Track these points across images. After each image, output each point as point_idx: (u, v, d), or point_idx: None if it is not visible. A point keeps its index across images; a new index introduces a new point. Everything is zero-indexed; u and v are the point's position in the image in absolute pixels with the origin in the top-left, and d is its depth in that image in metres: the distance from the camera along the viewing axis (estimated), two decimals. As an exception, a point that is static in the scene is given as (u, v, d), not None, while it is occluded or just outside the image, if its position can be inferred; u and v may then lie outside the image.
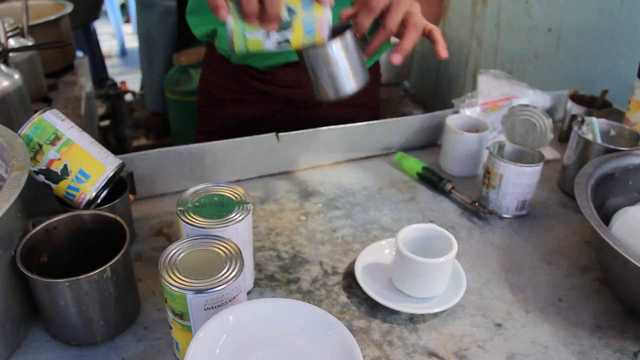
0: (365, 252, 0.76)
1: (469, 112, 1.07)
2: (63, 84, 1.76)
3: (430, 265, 0.66)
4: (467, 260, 0.78)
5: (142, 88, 3.28)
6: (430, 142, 1.12)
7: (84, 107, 1.62)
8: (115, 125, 2.37)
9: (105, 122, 2.26)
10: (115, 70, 4.43)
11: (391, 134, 1.06)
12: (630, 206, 0.76)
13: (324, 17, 0.69)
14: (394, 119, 1.06)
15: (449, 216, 0.89)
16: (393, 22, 0.74)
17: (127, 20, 5.57)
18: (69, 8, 1.82)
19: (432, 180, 0.95)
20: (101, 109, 2.28)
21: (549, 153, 1.10)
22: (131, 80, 3.91)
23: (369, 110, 1.19)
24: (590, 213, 0.69)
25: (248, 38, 0.68)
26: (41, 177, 0.72)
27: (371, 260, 0.75)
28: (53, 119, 0.73)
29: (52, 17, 1.73)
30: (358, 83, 0.73)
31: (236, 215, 0.64)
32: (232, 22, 0.67)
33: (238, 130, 1.14)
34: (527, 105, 0.90)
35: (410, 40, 0.75)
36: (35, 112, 0.73)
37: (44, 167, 0.72)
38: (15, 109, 1.16)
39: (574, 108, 1.13)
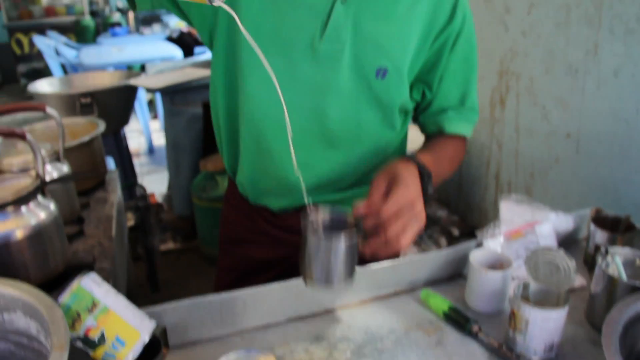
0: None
1: (493, 244, 1.09)
2: (94, 202, 1.82)
3: None
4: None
5: (169, 189, 3.38)
6: (456, 272, 1.13)
7: (115, 227, 1.67)
8: (144, 235, 2.43)
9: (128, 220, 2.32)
10: (143, 169, 4.57)
11: (417, 270, 1.08)
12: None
13: None
14: (419, 256, 1.08)
15: (478, 362, 0.89)
16: (393, 232, 0.81)
17: (155, 117, 5.77)
18: (102, 127, 1.89)
19: (459, 321, 0.96)
20: (130, 221, 2.36)
21: (576, 280, 1.10)
22: (159, 180, 4.04)
23: None
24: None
25: None
26: (79, 344, 0.75)
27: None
28: (91, 286, 0.77)
29: (86, 139, 1.80)
30: (347, 281, 0.79)
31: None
32: None
33: (255, 270, 1.18)
34: (550, 248, 0.92)
35: (383, 252, 0.84)
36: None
37: (82, 335, 0.75)
38: (51, 239, 1.20)
39: (597, 233, 1.14)
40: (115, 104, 2.91)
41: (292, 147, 0.81)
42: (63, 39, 6.49)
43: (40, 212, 1.16)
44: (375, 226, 0.83)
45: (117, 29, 6.55)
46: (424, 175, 0.92)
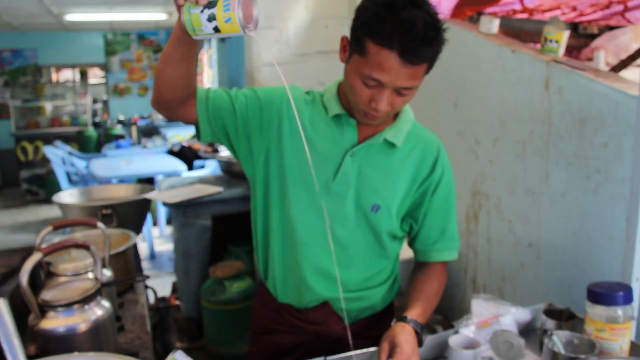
0: None
1: (466, 331, 1.42)
2: (127, 302, 2.11)
3: None
4: None
5: (173, 292, 3.64)
6: (438, 354, 1.45)
7: (149, 324, 1.96)
8: (163, 334, 2.70)
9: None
10: (145, 273, 4.83)
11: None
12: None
13: None
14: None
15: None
16: None
17: (155, 224, 6.09)
18: (134, 238, 2.22)
19: (442, 389, 1.27)
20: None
21: (526, 354, 1.42)
22: (162, 284, 4.29)
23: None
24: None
25: (191, 12, 1.04)
26: None
27: None
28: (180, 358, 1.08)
29: (122, 249, 2.13)
30: None
31: None
32: (184, 7, 1.05)
33: (281, 353, 1.50)
34: (505, 331, 1.25)
35: None
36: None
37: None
38: (107, 332, 1.50)
39: (547, 321, 1.47)
40: (132, 215, 3.24)
41: (333, 250, 1.21)
42: (68, 148, 6.94)
43: (98, 309, 1.47)
44: None
45: (121, 141, 7.02)
46: (418, 332, 1.31)
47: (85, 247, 1.58)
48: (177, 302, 3.16)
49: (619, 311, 1.32)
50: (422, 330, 1.34)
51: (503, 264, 2.36)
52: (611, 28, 3.81)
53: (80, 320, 1.41)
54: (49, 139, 7.86)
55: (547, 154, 2.02)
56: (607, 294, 1.32)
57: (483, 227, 2.48)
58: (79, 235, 2.31)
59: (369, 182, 1.37)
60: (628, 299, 1.32)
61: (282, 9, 2.99)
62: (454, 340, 1.34)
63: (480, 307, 1.51)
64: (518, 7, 3.05)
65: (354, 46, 1.25)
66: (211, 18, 1.04)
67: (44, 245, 1.51)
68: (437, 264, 1.48)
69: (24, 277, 1.28)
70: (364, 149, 1.37)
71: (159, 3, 6.77)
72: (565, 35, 2.06)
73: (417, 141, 1.41)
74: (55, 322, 1.36)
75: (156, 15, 7.66)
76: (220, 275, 3.07)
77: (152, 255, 5.30)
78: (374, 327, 1.53)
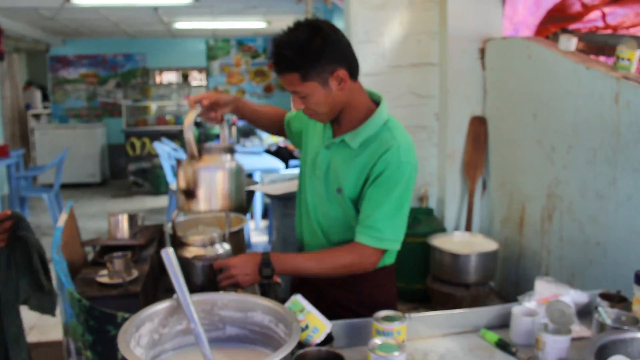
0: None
1: (528, 304, 1.70)
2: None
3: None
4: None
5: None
6: (504, 323, 1.74)
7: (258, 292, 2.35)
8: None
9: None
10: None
11: (479, 317, 1.70)
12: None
13: None
14: (481, 308, 1.71)
15: (515, 366, 1.49)
16: (223, 276, 1.66)
17: (251, 217, 6.55)
18: (246, 221, 2.63)
19: (504, 346, 1.57)
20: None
21: (585, 332, 1.68)
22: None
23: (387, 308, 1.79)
24: None
25: None
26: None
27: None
28: (300, 299, 1.44)
29: (236, 229, 2.53)
30: None
31: None
32: None
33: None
34: (558, 301, 1.53)
35: (224, 283, 1.67)
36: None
37: (293, 327, 1.41)
38: None
39: (601, 302, 1.73)
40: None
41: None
42: (172, 145, 7.59)
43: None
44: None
45: (222, 140, 7.54)
46: (262, 261, 1.64)
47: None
48: (279, 280, 3.56)
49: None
50: (267, 263, 1.65)
51: (573, 261, 2.59)
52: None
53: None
54: (154, 136, 8.59)
55: (615, 161, 2.26)
56: (652, 278, 1.57)
57: (556, 227, 2.71)
58: (209, 215, 2.72)
59: (335, 170, 1.74)
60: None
61: (379, 24, 3.33)
62: (517, 309, 1.63)
63: (543, 287, 1.78)
64: (600, 24, 3.24)
65: None
66: None
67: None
68: (355, 243, 1.69)
69: (188, 130, 1.67)
70: (333, 144, 1.74)
71: (258, 13, 7.30)
72: (637, 54, 2.28)
73: (372, 142, 1.69)
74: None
75: (256, 24, 8.21)
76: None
77: (249, 245, 5.77)
78: (356, 283, 1.80)
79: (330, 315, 1.64)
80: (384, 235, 1.66)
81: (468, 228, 3.36)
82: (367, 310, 1.79)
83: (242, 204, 1.77)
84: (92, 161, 9.28)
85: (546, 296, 1.76)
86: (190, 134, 1.65)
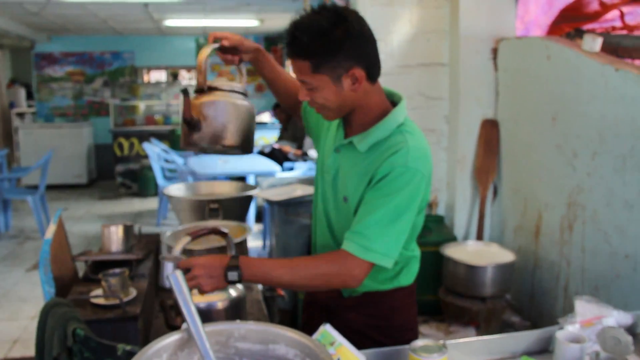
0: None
1: (571, 328, 1.54)
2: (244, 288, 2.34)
3: None
4: None
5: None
6: (544, 348, 1.58)
7: (265, 309, 2.18)
8: (269, 321, 2.93)
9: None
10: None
11: (516, 343, 1.54)
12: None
13: None
14: (518, 333, 1.55)
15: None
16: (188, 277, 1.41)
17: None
18: (249, 230, 2.46)
19: (551, 376, 1.41)
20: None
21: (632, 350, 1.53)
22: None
23: (402, 332, 1.66)
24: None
25: None
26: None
27: None
28: (330, 330, 1.27)
29: (239, 240, 2.36)
30: None
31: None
32: None
33: (302, 308, 1.89)
34: (613, 327, 1.38)
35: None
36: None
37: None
38: (239, 312, 1.69)
39: (650, 326, 1.58)
40: (236, 211, 3.51)
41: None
42: (162, 145, 7.39)
43: (233, 290, 1.67)
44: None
45: (214, 141, 7.35)
46: (229, 265, 1.43)
47: (223, 234, 1.80)
48: (283, 293, 3.39)
49: None
50: (234, 268, 1.43)
51: (597, 274, 2.45)
52: None
53: (220, 298, 1.61)
54: (143, 136, 8.37)
55: (647, 169, 2.11)
56: None
57: (578, 238, 2.56)
58: (214, 223, 2.54)
59: (343, 176, 1.58)
60: None
61: (387, 22, 3.18)
62: (561, 334, 1.47)
63: (584, 308, 1.63)
64: (618, 24, 3.10)
65: None
66: None
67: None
68: (339, 251, 1.48)
69: (204, 63, 1.61)
70: (342, 147, 1.58)
71: (251, 11, 7.12)
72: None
73: (382, 145, 1.51)
74: (198, 299, 1.57)
75: (248, 22, 8.02)
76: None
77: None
78: (369, 305, 1.63)
79: None
80: (371, 245, 1.42)
81: (479, 236, 3.21)
82: (383, 335, 1.63)
83: (249, 144, 1.69)
84: (78, 162, 9.03)
85: (589, 318, 1.61)
86: (203, 67, 1.59)
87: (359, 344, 1.45)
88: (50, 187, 8.20)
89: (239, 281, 1.44)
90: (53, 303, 1.48)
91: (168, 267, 1.91)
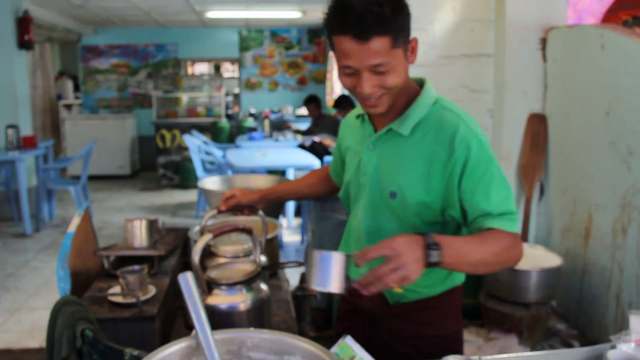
0: None
1: (625, 347, 1.39)
2: (272, 288, 2.25)
3: None
4: None
5: (301, 282, 3.79)
6: (592, 368, 1.44)
7: (293, 309, 2.08)
8: (298, 321, 2.83)
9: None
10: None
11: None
12: None
13: None
14: (565, 351, 1.41)
15: None
16: (378, 272, 1.16)
17: (283, 215, 6.30)
18: (281, 227, 2.36)
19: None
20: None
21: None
22: (290, 274, 4.45)
23: (450, 342, 1.53)
24: None
25: None
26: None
27: None
28: (351, 343, 1.16)
29: (270, 236, 2.26)
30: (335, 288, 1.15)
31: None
32: None
33: (339, 318, 1.76)
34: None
35: (371, 287, 1.18)
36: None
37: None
38: (262, 314, 1.59)
39: None
40: (272, 205, 3.43)
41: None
42: (203, 137, 7.38)
43: (258, 291, 1.56)
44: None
45: (254, 134, 7.35)
46: (428, 243, 1.21)
47: (248, 231, 1.69)
48: (315, 292, 3.29)
49: None
50: (435, 247, 1.21)
51: (653, 283, 2.26)
52: None
53: (242, 299, 1.50)
54: (185, 129, 8.41)
55: None
56: None
57: (632, 242, 2.37)
58: (241, 219, 2.45)
59: (386, 171, 1.45)
60: None
61: (429, 10, 3.02)
62: (613, 355, 1.32)
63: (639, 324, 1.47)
64: (681, 11, 2.88)
65: (331, 47, 1.35)
66: None
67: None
68: (491, 230, 1.35)
69: (196, 255, 1.38)
70: (378, 140, 1.47)
71: (294, 2, 7.03)
72: None
73: (431, 126, 1.40)
74: (219, 299, 1.46)
75: (290, 14, 7.94)
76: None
77: (281, 245, 5.53)
78: (418, 312, 1.52)
79: (384, 352, 1.35)
80: (513, 217, 1.37)
81: (524, 237, 3.03)
82: (428, 345, 1.51)
83: None
84: (122, 153, 9.16)
85: (645, 336, 1.45)
86: (196, 258, 1.38)
87: (403, 355, 1.35)
88: (95, 178, 8.34)
89: (438, 263, 1.22)
90: (63, 301, 1.42)
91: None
